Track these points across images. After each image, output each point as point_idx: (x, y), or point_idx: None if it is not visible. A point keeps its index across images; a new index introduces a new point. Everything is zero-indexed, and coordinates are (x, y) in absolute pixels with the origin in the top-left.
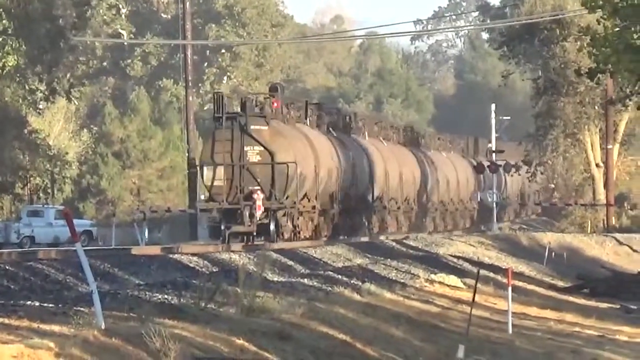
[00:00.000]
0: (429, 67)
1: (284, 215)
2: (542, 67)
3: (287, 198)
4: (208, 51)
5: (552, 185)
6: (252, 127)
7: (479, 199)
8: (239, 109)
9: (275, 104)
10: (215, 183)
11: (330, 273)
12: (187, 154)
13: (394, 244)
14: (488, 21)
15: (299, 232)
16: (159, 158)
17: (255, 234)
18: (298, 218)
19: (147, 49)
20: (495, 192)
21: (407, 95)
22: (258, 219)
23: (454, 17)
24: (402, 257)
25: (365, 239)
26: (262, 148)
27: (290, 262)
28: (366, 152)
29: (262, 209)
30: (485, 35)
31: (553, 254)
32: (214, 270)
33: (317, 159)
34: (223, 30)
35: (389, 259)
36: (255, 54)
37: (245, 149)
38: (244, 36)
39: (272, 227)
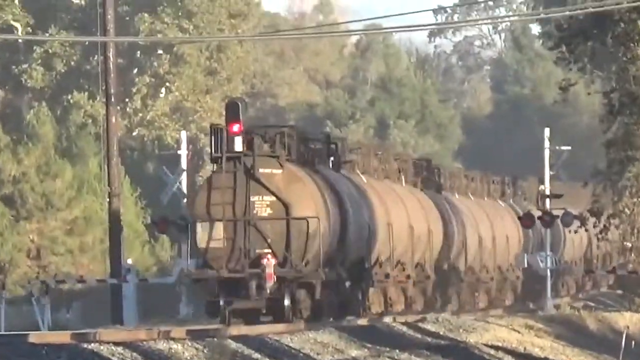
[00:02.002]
0: (455, 76)
1: (302, 287)
2: (618, 75)
3: (306, 264)
4: (139, 52)
5: (629, 245)
6: (260, 170)
7: (525, 264)
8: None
9: (237, 128)
10: (212, 244)
11: None
12: (107, 200)
13: (404, 328)
14: (540, 9)
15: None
16: (68, 205)
17: (264, 311)
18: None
19: (51, 48)
20: (550, 255)
21: (424, 116)
22: (268, 291)
23: (490, 3)
24: (416, 347)
25: (363, 321)
26: (274, 198)
27: (257, 355)
28: (363, 196)
29: (274, 278)
30: (535, 30)
31: (633, 343)
32: None
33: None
34: (159, 22)
35: (397, 351)
36: (205, 56)
37: (252, 199)
38: (190, 31)
39: (286, 302)
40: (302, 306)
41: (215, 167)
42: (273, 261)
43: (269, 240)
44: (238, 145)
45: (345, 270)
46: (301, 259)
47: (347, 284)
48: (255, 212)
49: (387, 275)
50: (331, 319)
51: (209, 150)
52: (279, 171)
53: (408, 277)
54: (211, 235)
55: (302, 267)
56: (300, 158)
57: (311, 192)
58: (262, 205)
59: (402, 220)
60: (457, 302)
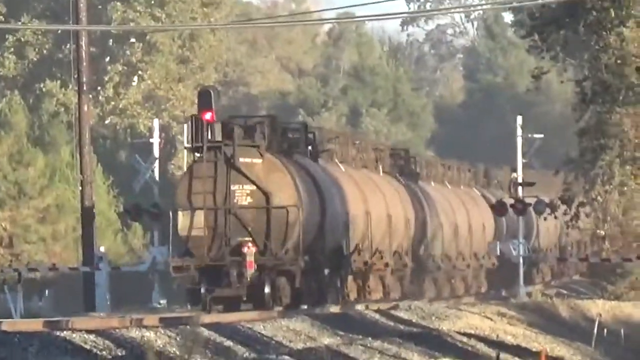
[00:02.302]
0: (427, 64)
1: (282, 275)
2: (590, 63)
3: (286, 253)
4: (111, 40)
5: (602, 233)
6: (241, 159)
7: (498, 252)
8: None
9: (209, 116)
10: (193, 233)
11: (286, 358)
12: (80, 188)
13: (377, 316)
14: None
15: (300, 297)
16: (40, 193)
17: (245, 299)
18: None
19: (24, 37)
20: (523, 243)
21: (396, 104)
22: (249, 279)
23: None
24: (389, 335)
25: (336, 309)
26: (254, 187)
27: (229, 343)
28: (341, 185)
29: (255, 266)
30: (508, 18)
31: (605, 330)
32: (119, 354)
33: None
34: (132, 10)
35: (369, 338)
36: (178, 44)
37: (233, 188)
38: (163, 19)
39: (267, 290)
40: (282, 293)
41: (195, 156)
42: (253, 249)
43: (249, 229)
44: (218, 134)
45: (324, 258)
46: (281, 247)
47: (326, 271)
48: (235, 200)
49: (365, 263)
50: (306, 307)
51: (182, 139)
52: (259, 160)
53: (386, 265)
54: (192, 224)
55: (282, 255)
56: (279, 147)
57: (290, 181)
58: (243, 194)
59: (380, 208)
60: (432, 290)
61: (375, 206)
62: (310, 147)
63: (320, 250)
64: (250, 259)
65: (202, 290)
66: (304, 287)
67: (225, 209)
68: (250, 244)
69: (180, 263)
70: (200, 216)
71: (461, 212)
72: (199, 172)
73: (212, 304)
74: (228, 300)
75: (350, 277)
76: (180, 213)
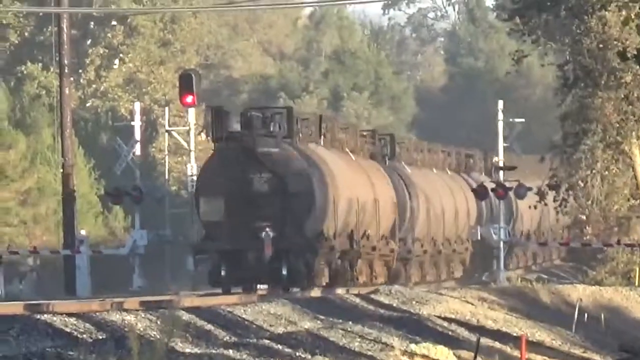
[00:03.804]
0: (408, 48)
1: (298, 258)
2: (572, 48)
3: (302, 237)
4: (92, 23)
5: (583, 217)
6: (259, 149)
7: (479, 237)
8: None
9: (190, 99)
10: (214, 218)
11: (267, 342)
12: (61, 171)
13: (357, 300)
14: None
15: (314, 279)
16: (21, 176)
17: (263, 280)
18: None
19: (5, 19)
20: (504, 227)
21: (378, 88)
22: (267, 262)
23: None
24: (370, 319)
25: (316, 293)
26: (271, 175)
27: (210, 327)
28: (319, 168)
29: (272, 249)
30: (489, 2)
31: (586, 315)
32: (100, 337)
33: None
34: None
35: (350, 322)
36: (159, 27)
37: (252, 176)
38: (144, 2)
39: (284, 271)
40: (298, 276)
41: (216, 145)
42: (271, 234)
43: (267, 214)
44: (237, 125)
45: (336, 242)
46: (297, 232)
47: (337, 255)
48: (254, 187)
49: (373, 248)
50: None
51: (163, 122)
52: (276, 149)
53: (373, 248)
54: (213, 210)
55: (298, 239)
56: (295, 137)
57: (307, 168)
58: (261, 181)
59: (367, 193)
60: (418, 274)
61: (361, 188)
62: (323, 137)
63: (332, 235)
64: (268, 242)
65: (222, 273)
66: (319, 269)
67: (244, 196)
68: (268, 229)
69: (202, 247)
70: (220, 202)
71: (444, 196)
72: (220, 160)
73: (232, 285)
74: (247, 282)
75: (359, 262)
76: (202, 199)
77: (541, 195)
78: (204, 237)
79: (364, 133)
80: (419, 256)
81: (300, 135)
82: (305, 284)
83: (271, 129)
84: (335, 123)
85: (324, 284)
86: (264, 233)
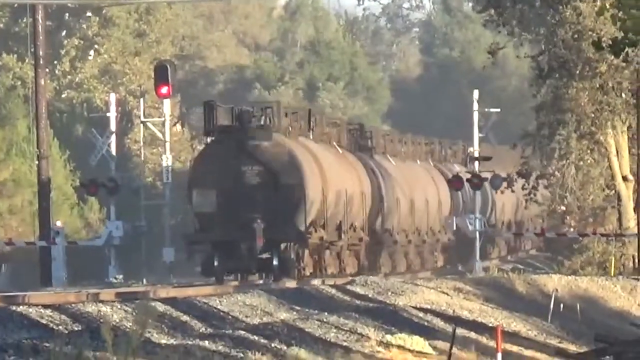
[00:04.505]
0: (383, 39)
1: (288, 249)
2: (546, 38)
3: (293, 228)
4: (67, 14)
5: (562, 208)
6: (250, 142)
7: (454, 227)
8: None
9: (165, 90)
10: (207, 210)
11: (242, 333)
12: (36, 162)
13: (333, 291)
14: None
15: (303, 270)
16: None
17: (254, 271)
18: (305, 253)
19: None
20: (479, 218)
21: (353, 79)
22: (259, 253)
23: None
24: (345, 310)
25: (292, 284)
26: (262, 167)
27: (185, 318)
28: (309, 161)
29: (263, 240)
30: None
31: (561, 305)
32: (75, 328)
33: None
34: None
35: (325, 313)
36: (134, 18)
37: (243, 168)
38: None
39: (275, 262)
40: (289, 266)
41: (207, 139)
42: (262, 225)
43: (259, 206)
44: (229, 119)
45: (326, 233)
46: (288, 223)
47: (326, 245)
48: (246, 180)
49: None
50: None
51: (138, 113)
52: (268, 143)
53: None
54: (206, 201)
55: (288, 230)
56: (285, 131)
57: (297, 161)
58: (253, 173)
59: (337, 183)
60: (389, 265)
61: (333, 179)
62: (312, 131)
63: (322, 226)
64: (259, 234)
65: (215, 264)
66: (309, 260)
67: (236, 188)
68: (259, 220)
69: (196, 238)
70: (212, 195)
71: (418, 187)
72: (212, 153)
73: (224, 276)
74: (239, 272)
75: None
76: (194, 191)
77: (509, 182)
78: (197, 229)
79: (350, 127)
80: (389, 246)
81: (291, 129)
82: (296, 275)
83: (262, 122)
84: (324, 117)
85: (309, 274)
86: (255, 224)
